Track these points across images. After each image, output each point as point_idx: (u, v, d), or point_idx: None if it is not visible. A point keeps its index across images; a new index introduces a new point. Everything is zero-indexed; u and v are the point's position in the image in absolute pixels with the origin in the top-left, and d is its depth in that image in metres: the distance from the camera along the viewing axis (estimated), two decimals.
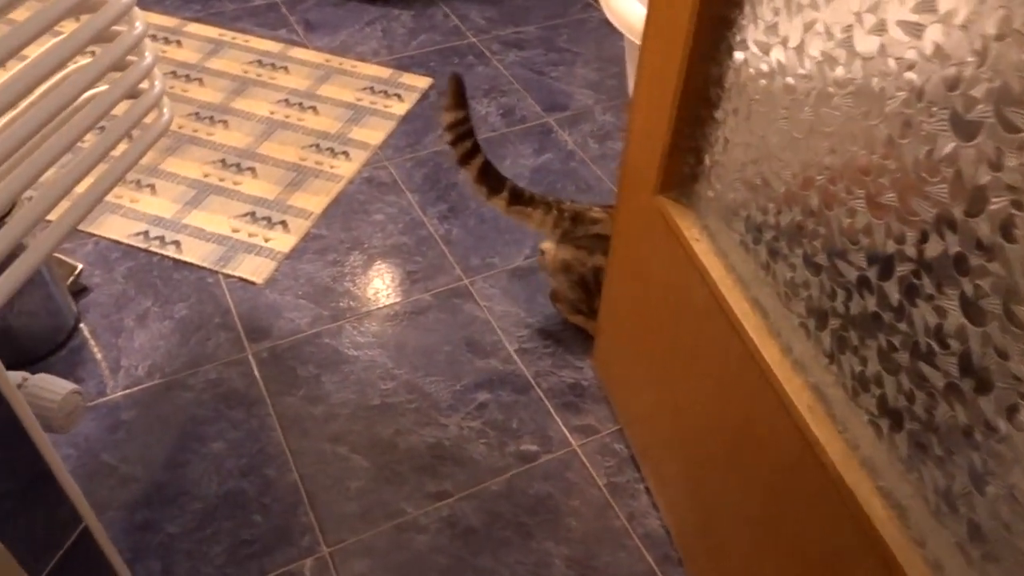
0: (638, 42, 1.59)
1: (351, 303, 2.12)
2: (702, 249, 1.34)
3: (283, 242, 2.26)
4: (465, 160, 1.93)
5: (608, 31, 3.03)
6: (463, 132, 1.91)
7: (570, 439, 1.86)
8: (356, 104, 2.72)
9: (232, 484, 1.74)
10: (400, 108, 2.72)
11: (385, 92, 2.77)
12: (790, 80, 1.07)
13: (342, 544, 1.66)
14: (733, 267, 1.29)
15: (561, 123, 2.71)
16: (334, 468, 1.78)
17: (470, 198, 2.42)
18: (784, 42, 1.08)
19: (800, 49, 1.04)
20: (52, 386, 1.26)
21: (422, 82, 2.82)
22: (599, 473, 1.80)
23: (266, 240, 2.26)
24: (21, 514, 1.08)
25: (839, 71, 0.97)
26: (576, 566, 1.65)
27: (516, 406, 1.92)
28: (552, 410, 1.92)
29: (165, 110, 1.64)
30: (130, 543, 1.63)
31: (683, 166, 1.39)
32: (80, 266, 2.08)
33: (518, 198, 1.94)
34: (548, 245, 1.97)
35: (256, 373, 1.95)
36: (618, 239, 1.70)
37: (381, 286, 2.17)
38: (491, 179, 1.94)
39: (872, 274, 0.97)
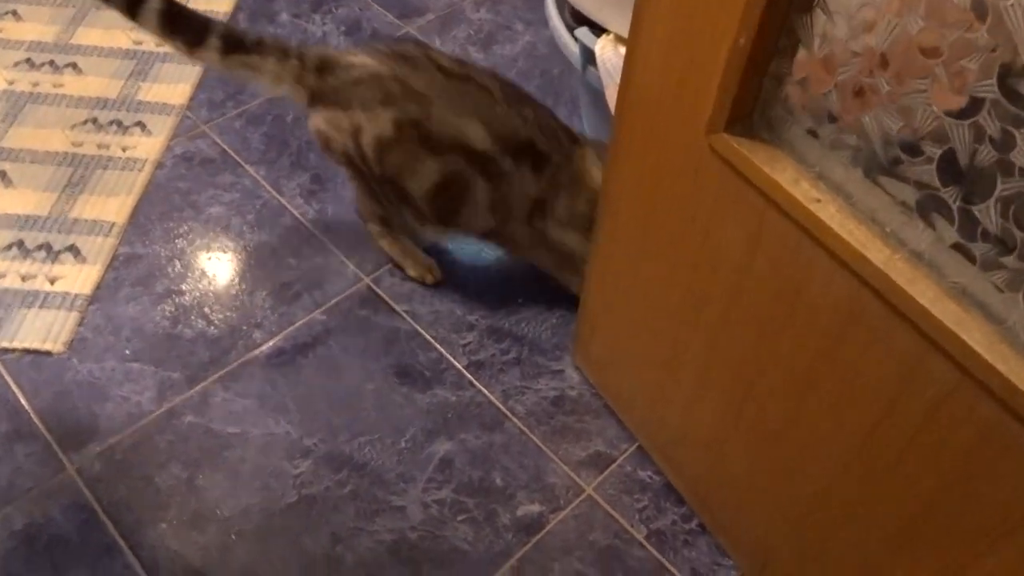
0: None
1: (211, 352, 1.44)
2: (832, 215, 0.80)
3: (79, 279, 1.50)
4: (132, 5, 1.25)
5: None
6: None
7: (578, 481, 1.33)
8: (136, 50, 1.91)
9: None
10: None
11: None
12: None
13: None
14: (903, 243, 0.77)
15: (425, 31, 2.04)
16: None
17: None
18: None
19: None
20: None
21: (222, 3, 2.03)
22: (634, 522, 1.29)
23: (52, 281, 1.50)
24: None
25: None
26: None
27: (492, 451, 1.35)
28: (541, 443, 1.37)
29: None
30: None
31: (768, 83, 0.83)
32: None
33: (237, 45, 1.30)
34: (312, 119, 1.38)
35: (91, 500, 1.26)
36: (622, 205, 1.13)
37: (249, 315, 1.49)
38: (185, 23, 1.28)
39: None
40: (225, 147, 1.74)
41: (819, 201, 0.81)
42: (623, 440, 1.38)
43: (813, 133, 0.81)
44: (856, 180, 0.79)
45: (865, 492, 0.92)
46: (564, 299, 1.49)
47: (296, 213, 1.64)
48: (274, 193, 1.67)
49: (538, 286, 1.54)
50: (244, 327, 1.47)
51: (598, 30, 1.41)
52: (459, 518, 1.28)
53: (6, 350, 1.41)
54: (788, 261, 0.87)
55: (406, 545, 1.25)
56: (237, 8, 2.03)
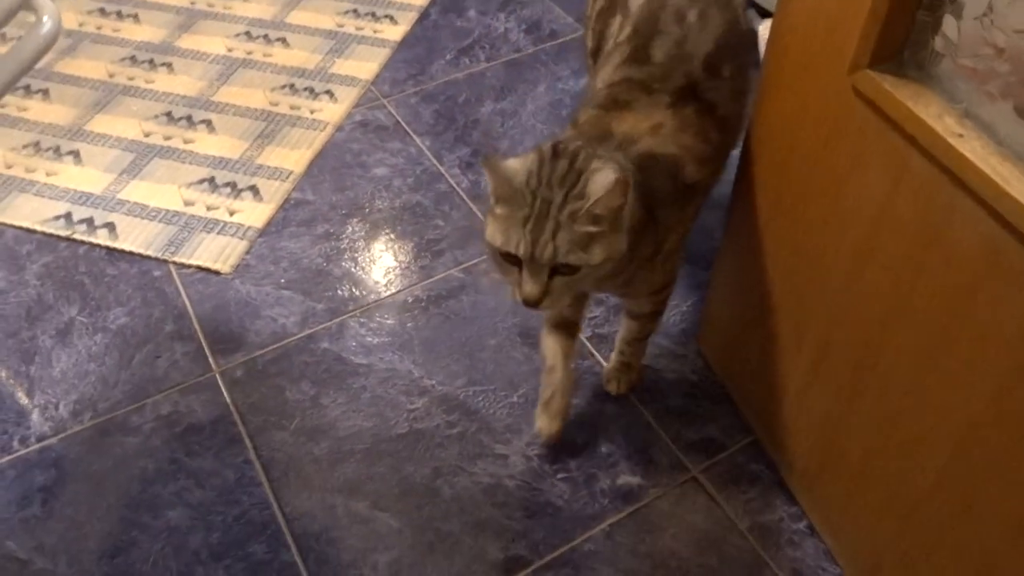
0: None
1: (355, 291, 1.53)
2: (974, 150, 0.75)
3: (255, 214, 1.66)
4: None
5: None
6: None
7: (685, 462, 1.29)
8: (337, 31, 2.10)
9: (203, 574, 1.17)
10: (395, 32, 2.10)
11: (373, 14, 2.15)
12: None
13: None
14: None
15: None
16: (352, 536, 1.21)
17: (497, 136, 1.82)
18: None
19: None
20: None
21: None
22: (738, 512, 1.23)
23: (231, 213, 1.66)
24: None
25: None
26: None
27: (601, 418, 1.34)
28: (652, 420, 1.34)
29: (45, 17, 1.07)
30: None
31: (913, 21, 0.80)
32: None
33: None
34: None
35: (228, 400, 1.37)
36: (760, 163, 1.11)
37: (393, 264, 1.58)
38: None
39: None
40: (399, 118, 1.87)
41: (961, 136, 0.76)
42: (738, 430, 1.32)
43: (962, 67, 0.77)
44: (1004, 114, 0.74)
45: (987, 478, 0.83)
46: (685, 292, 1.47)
47: (452, 181, 1.73)
48: (435, 161, 1.77)
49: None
50: (387, 273, 1.56)
51: (763, 12, 1.40)
52: (558, 476, 1.27)
53: (183, 265, 1.57)
54: (928, 204, 0.82)
55: (502, 491, 1.26)
56: (432, 3, 2.19)
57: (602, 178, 0.92)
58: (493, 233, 0.97)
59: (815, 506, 1.18)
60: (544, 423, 1.25)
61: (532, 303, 0.96)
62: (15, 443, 1.32)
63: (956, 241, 0.79)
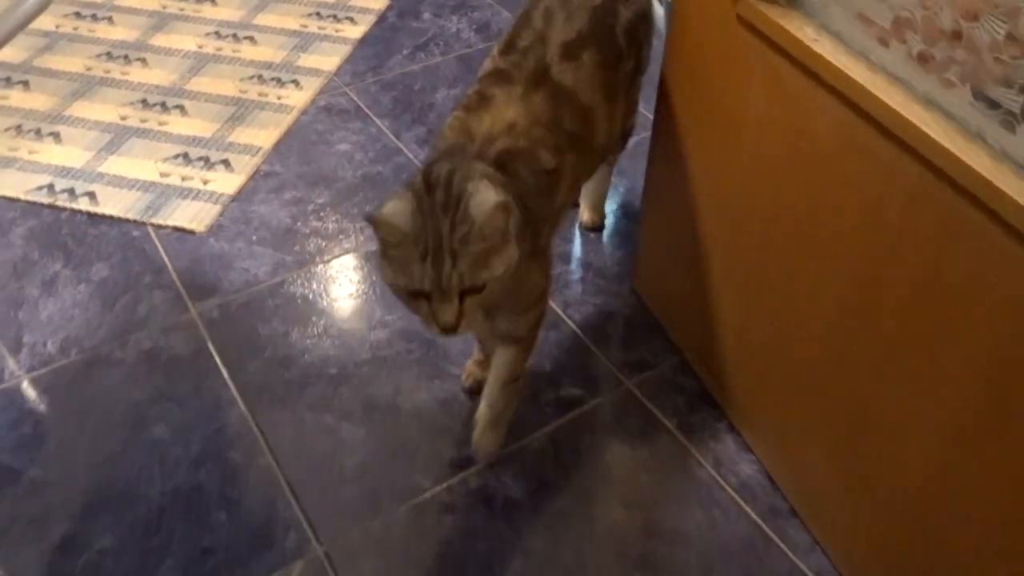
0: None
1: (321, 243, 1.68)
2: (826, 49, 0.94)
3: (227, 183, 1.80)
4: None
5: None
6: None
7: (620, 377, 1.45)
8: (302, 31, 2.27)
9: (182, 478, 1.28)
10: (355, 31, 2.28)
11: (334, 16, 2.33)
12: None
13: (342, 539, 1.22)
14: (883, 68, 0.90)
15: None
16: (321, 443, 1.34)
17: None
18: None
19: None
20: None
21: (377, 2, 2.39)
22: (667, 414, 1.39)
23: (204, 182, 1.80)
24: None
25: None
26: (660, 535, 1.23)
27: (546, 344, 1.49)
28: (591, 344, 1.50)
29: None
30: (44, 570, 1.17)
31: None
32: None
33: None
34: None
35: (205, 336, 1.50)
36: (672, 87, 1.29)
37: (357, 223, 1.73)
38: None
39: None
40: (360, 103, 2.04)
41: (816, 40, 0.95)
42: (668, 352, 1.48)
43: None
44: (848, 20, 0.93)
45: (851, 330, 1.01)
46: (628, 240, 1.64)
47: (409, 155, 1.89)
48: (393, 138, 1.94)
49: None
50: (349, 229, 1.71)
51: None
52: None
53: (160, 226, 1.71)
54: (795, 104, 1.00)
55: (457, 403, 1.40)
56: (390, 7, 2.38)
57: (481, 201, 0.96)
58: (394, 275, 0.99)
59: (737, 413, 1.35)
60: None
61: (450, 330, 0.99)
62: (5, 376, 1.43)
63: (817, 131, 0.98)
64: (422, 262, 0.96)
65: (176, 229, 1.70)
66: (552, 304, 1.55)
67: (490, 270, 0.98)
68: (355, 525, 1.23)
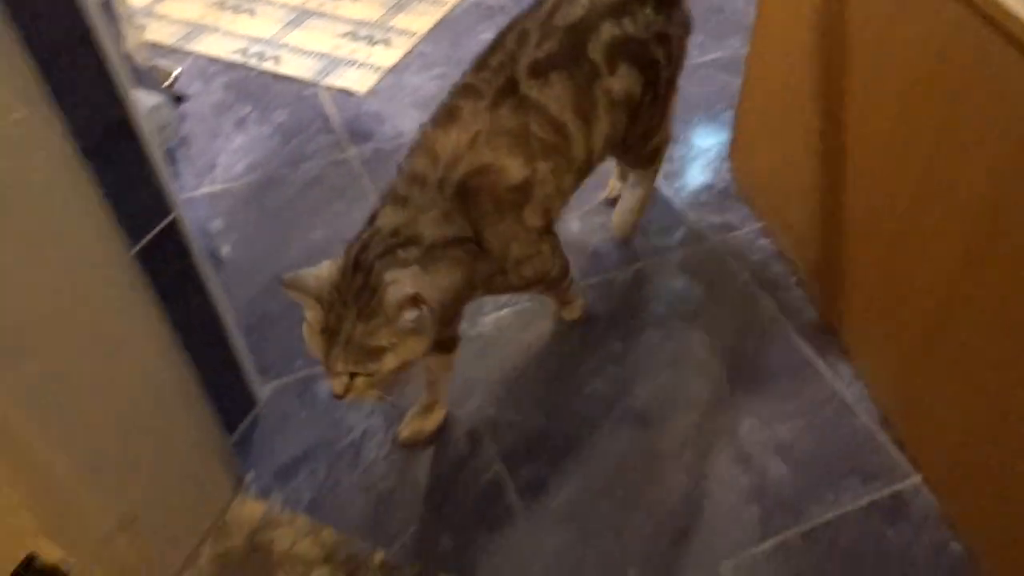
0: None
1: None
2: None
3: (386, 57, 2.10)
4: None
5: None
6: None
7: (706, 234, 1.64)
8: None
9: None
10: None
11: None
12: None
13: None
14: None
15: None
16: None
17: None
18: None
19: None
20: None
21: None
22: (742, 267, 1.57)
23: (367, 56, 2.10)
24: (125, 192, 0.98)
25: None
26: (724, 354, 1.43)
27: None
28: (684, 207, 1.70)
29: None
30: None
31: None
32: (178, 69, 1.97)
33: None
34: None
35: (361, 171, 1.80)
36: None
37: None
38: None
39: None
40: (505, 3, 2.28)
41: None
42: (751, 219, 1.66)
43: None
44: None
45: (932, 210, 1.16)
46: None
47: None
48: None
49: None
50: None
51: None
52: (605, 234, 1.64)
53: (329, 86, 2.02)
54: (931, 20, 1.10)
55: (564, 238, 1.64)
56: None
57: (393, 295, 0.96)
58: (305, 336, 1.02)
59: (810, 269, 1.52)
60: (410, 428, 1.32)
61: (339, 398, 1.01)
62: (204, 184, 1.78)
63: (953, 51, 1.04)
64: (320, 335, 0.99)
65: (341, 90, 2.01)
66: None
67: (379, 364, 0.98)
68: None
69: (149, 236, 1.03)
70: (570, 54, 1.19)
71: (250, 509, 1.25)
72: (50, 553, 1.09)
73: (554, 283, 1.34)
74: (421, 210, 1.07)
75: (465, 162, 1.10)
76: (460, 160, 1.10)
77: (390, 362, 0.99)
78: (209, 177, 1.79)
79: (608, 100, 1.23)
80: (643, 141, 1.41)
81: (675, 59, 1.35)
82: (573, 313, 1.49)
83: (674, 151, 1.81)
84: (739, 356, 1.43)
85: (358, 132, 1.90)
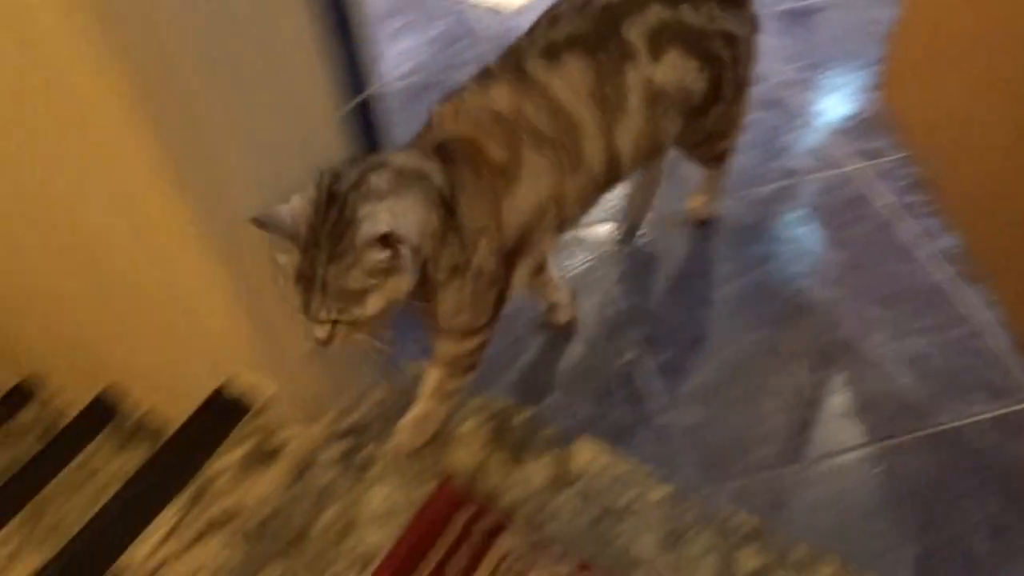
0: None
1: None
2: None
3: None
4: None
5: None
6: None
7: (849, 159, 1.67)
8: None
9: None
10: None
11: None
12: None
13: None
14: None
15: None
16: None
17: None
18: None
19: None
20: None
21: None
22: (883, 191, 1.61)
23: None
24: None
25: None
26: (853, 270, 1.48)
27: (782, 128, 1.75)
28: (829, 133, 1.73)
29: None
30: None
31: None
32: None
33: None
34: None
35: None
36: None
37: None
38: None
39: None
40: None
41: None
42: (896, 148, 1.68)
43: None
44: None
45: None
46: None
47: None
48: None
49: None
50: None
51: None
52: (748, 150, 1.70)
53: (478, 5, 2.13)
54: None
55: None
56: None
57: (366, 232, 0.87)
58: (279, 284, 0.92)
59: (951, 201, 1.54)
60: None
61: (323, 345, 0.94)
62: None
63: None
64: (296, 283, 0.90)
65: (489, 8, 2.12)
66: (796, 99, 1.79)
67: (362, 308, 0.91)
68: None
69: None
70: (597, 33, 1.05)
71: (414, 366, 1.37)
72: (245, 379, 1.25)
73: (462, 364, 1.17)
74: (398, 149, 1.02)
75: (446, 129, 1.03)
76: (442, 126, 1.04)
77: (374, 304, 0.91)
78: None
79: (648, 92, 1.07)
80: (710, 143, 1.33)
81: (743, 61, 1.21)
82: (408, 440, 1.24)
83: (820, 78, 1.84)
84: (872, 273, 1.47)
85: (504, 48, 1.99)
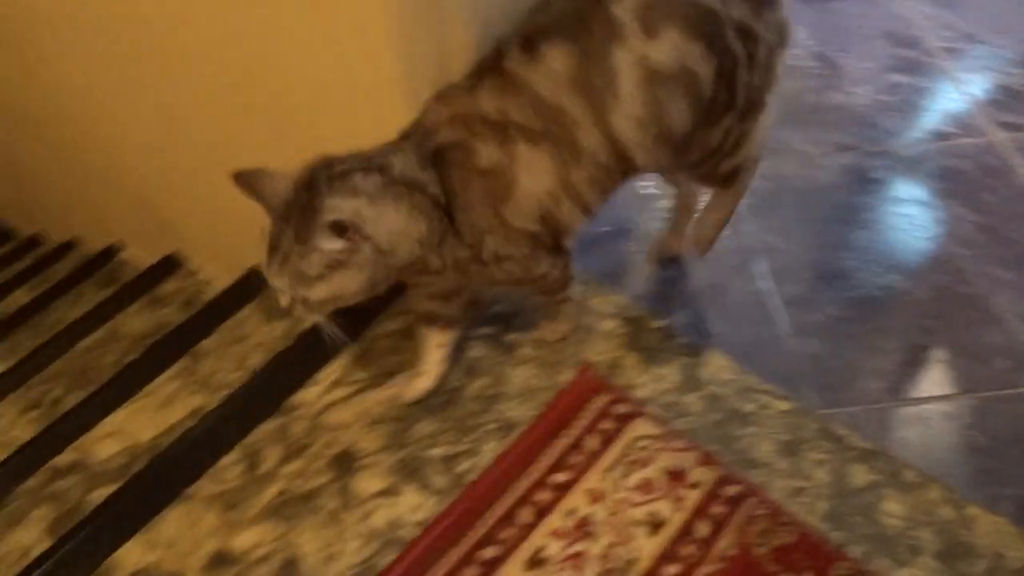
0: None
1: None
2: None
3: None
4: None
5: None
6: None
7: (995, 130, 1.71)
8: None
9: None
10: None
11: None
12: None
13: None
14: None
15: None
16: None
17: None
18: None
19: None
20: None
21: None
22: (1021, 164, 1.64)
23: None
24: None
25: None
26: (986, 233, 1.53)
27: (928, 93, 1.78)
28: (974, 102, 1.76)
29: None
30: None
31: None
32: None
33: None
34: None
35: None
36: None
37: None
38: None
39: None
40: None
41: None
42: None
43: None
44: None
45: None
46: None
47: None
48: None
49: None
50: None
51: None
52: (893, 113, 1.74)
53: None
54: None
55: (847, 110, 1.75)
56: None
57: (323, 218, 0.90)
58: (261, 230, 0.96)
59: None
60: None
61: (286, 310, 0.98)
62: None
63: None
64: (267, 250, 0.95)
65: None
66: (947, 65, 1.82)
67: (309, 291, 0.95)
68: None
69: None
70: (577, 15, 0.97)
71: None
72: None
73: (547, 291, 1.25)
74: (400, 149, 1.00)
75: (441, 135, 1.01)
76: (438, 131, 1.01)
77: (319, 291, 0.95)
78: None
79: (643, 72, 0.97)
80: (714, 158, 1.16)
81: (760, 67, 1.06)
82: (550, 333, 1.37)
83: (972, 50, 1.86)
84: (1005, 238, 1.52)
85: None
